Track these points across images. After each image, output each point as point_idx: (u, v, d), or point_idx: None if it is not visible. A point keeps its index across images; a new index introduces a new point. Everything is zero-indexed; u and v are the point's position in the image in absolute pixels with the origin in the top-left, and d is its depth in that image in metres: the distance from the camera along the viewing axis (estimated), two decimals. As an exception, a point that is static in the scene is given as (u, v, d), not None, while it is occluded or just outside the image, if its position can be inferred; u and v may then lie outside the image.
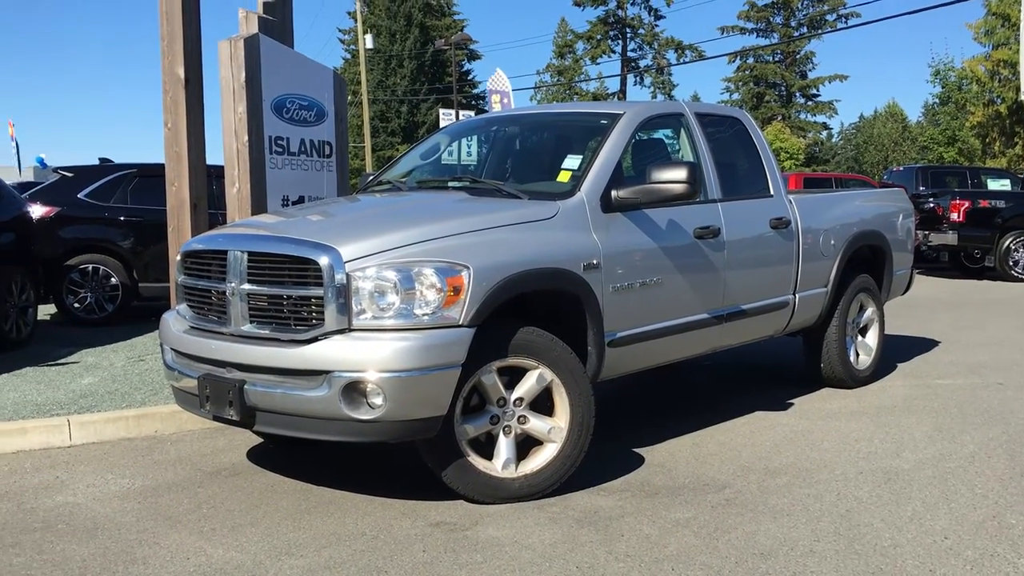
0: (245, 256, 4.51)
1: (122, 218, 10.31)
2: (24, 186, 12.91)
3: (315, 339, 4.23)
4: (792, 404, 6.54)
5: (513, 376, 4.59)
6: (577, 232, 4.83)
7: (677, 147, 5.86)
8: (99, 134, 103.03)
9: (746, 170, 6.33)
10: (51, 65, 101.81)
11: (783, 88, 65.70)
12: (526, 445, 4.66)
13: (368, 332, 4.19)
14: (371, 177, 6.28)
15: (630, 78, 62.60)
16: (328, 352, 4.18)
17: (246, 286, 4.48)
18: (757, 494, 4.63)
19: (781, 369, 7.75)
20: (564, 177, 5.17)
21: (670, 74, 62.83)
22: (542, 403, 4.66)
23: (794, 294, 6.35)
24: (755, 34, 63.17)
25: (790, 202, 6.33)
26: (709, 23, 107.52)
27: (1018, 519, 4.23)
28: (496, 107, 24.96)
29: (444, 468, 4.42)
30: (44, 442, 5.68)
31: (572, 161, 5.28)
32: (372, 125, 63.75)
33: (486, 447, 4.57)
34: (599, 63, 62.44)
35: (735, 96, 66.95)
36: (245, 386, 4.38)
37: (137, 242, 10.28)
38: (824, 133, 67.64)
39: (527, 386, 4.57)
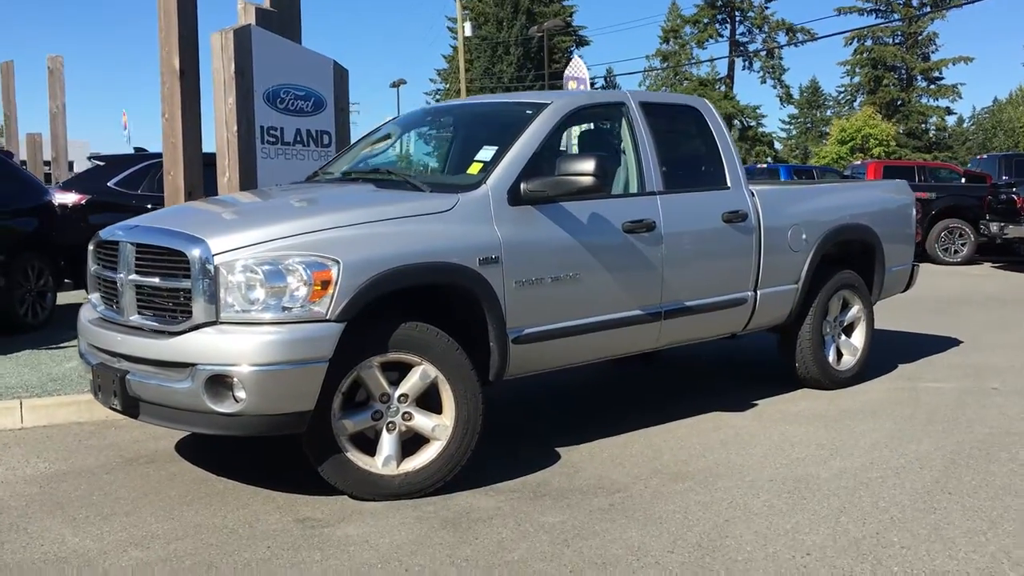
0: (133, 248, 4.56)
1: (148, 206, 10.55)
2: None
3: (186, 331, 4.25)
4: (755, 405, 6.28)
5: (403, 372, 4.53)
6: (475, 225, 4.72)
7: (618, 139, 5.68)
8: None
9: (700, 162, 6.09)
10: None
11: (903, 71, 63.38)
12: (417, 442, 4.60)
13: (235, 325, 4.18)
14: (320, 168, 6.28)
15: (738, 62, 61.27)
16: (193, 344, 4.19)
17: (132, 277, 4.53)
18: (647, 499, 4.47)
19: (772, 367, 7.45)
20: (475, 169, 5.07)
21: (780, 58, 61.27)
22: (433, 400, 4.58)
23: (754, 291, 6.09)
24: (874, 14, 61.06)
25: (751, 195, 6.06)
26: (824, 3, 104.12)
27: (901, 537, 3.97)
28: (573, 94, 24.54)
29: (321, 463, 4.39)
30: (-3, 424, 5.87)
31: (486, 152, 5.16)
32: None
33: (373, 443, 4.53)
34: (706, 47, 61.29)
35: (855, 80, 64.99)
36: (127, 376, 4.43)
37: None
38: (952, 118, 64.89)
39: (411, 382, 4.51)
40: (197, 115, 8.08)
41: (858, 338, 6.93)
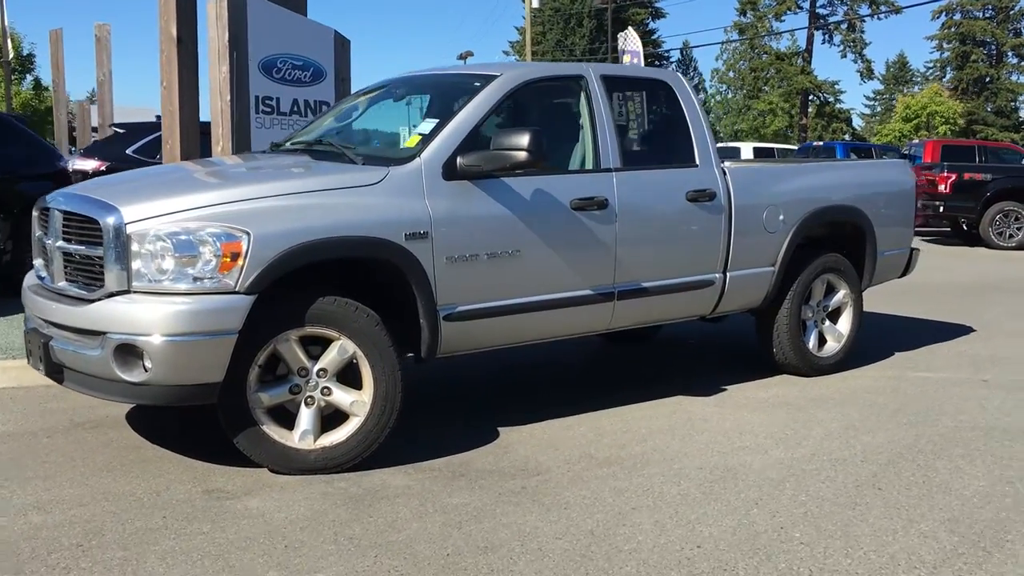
0: (60, 215, 4.59)
1: (165, 172, 10.74)
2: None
3: (100, 299, 4.26)
4: (724, 390, 6.11)
5: (326, 347, 4.50)
6: (403, 199, 4.64)
7: (576, 114, 5.53)
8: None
9: (667, 139, 5.92)
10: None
11: (992, 47, 61.26)
12: (341, 418, 4.57)
13: (145, 295, 4.18)
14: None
15: (817, 36, 59.61)
16: (104, 313, 4.21)
17: (60, 243, 4.57)
18: (563, 484, 4.37)
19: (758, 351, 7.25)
20: (412, 142, 4.99)
21: (862, 31, 59.43)
22: (355, 376, 4.54)
23: (724, 272, 5.90)
24: (965, -13, 58.99)
25: (723, 173, 5.87)
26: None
27: (805, 532, 3.82)
28: (628, 67, 24.19)
29: (236, 435, 4.38)
30: (-36, 384, 6.00)
31: (427, 125, 5.08)
32: (551, 84, 63.70)
33: (295, 417, 4.51)
34: (784, 19, 59.72)
35: (944, 55, 63.02)
36: (51, 343, 4.47)
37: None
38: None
39: (329, 357, 4.47)
40: (195, 84, 8.12)
41: (844, 324, 6.69)
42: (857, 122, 67.79)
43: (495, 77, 5.21)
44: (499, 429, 5.21)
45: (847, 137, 55.64)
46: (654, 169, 5.67)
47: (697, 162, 5.81)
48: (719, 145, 23.79)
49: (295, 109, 8.25)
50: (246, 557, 3.57)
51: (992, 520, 3.97)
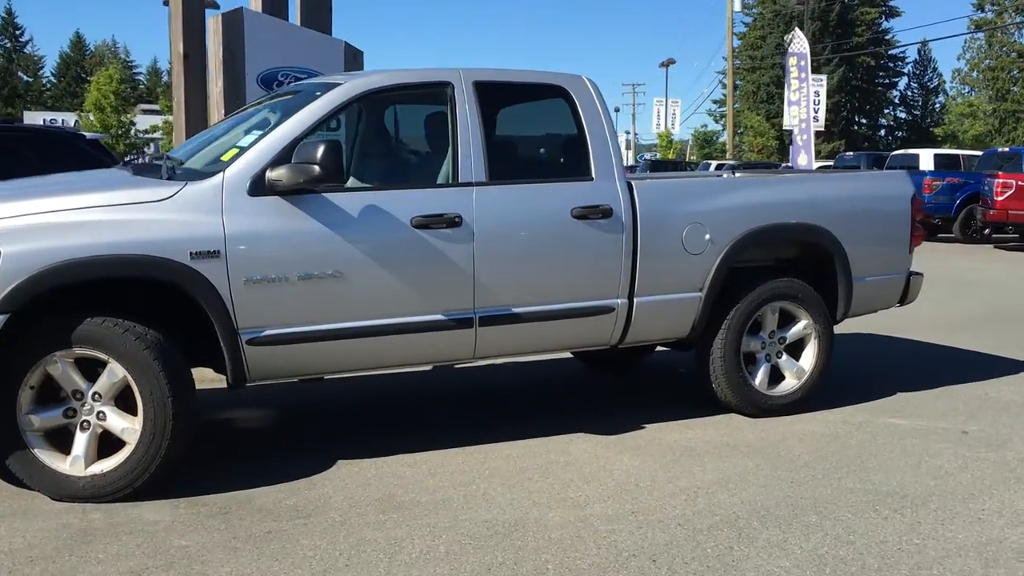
0: None
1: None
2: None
3: None
4: (640, 429, 5.47)
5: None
6: (194, 215, 4.38)
7: (442, 124, 5.09)
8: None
9: (556, 150, 5.36)
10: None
11: None
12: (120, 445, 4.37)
13: (-89, 310, 4.14)
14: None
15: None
16: None
17: None
18: (312, 530, 3.97)
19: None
20: (228, 156, 4.71)
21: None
22: (133, 401, 4.33)
23: (628, 298, 5.29)
24: None
25: (627, 187, 5.25)
26: None
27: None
28: (792, 72, 22.79)
29: (6, 458, 4.27)
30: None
31: (248, 138, 4.80)
32: (767, 91, 61.60)
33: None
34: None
35: None
36: None
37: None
38: None
39: (102, 381, 4.29)
40: (203, 98, 8.20)
41: (807, 359, 5.85)
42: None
43: (334, 87, 4.88)
44: (339, 461, 4.86)
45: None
46: (532, 183, 5.13)
47: (593, 175, 5.22)
48: (900, 152, 22.05)
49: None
50: None
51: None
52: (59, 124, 44.06)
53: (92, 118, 37.73)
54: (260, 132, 4.80)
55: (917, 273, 6.27)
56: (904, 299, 6.26)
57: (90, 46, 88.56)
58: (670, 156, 58.67)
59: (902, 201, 6.12)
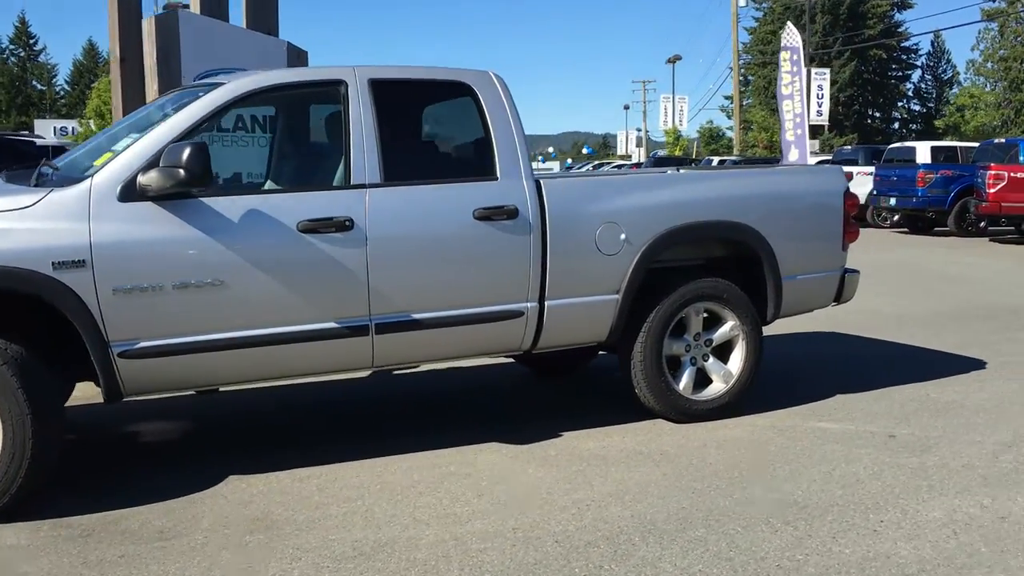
0: None
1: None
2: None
3: None
4: (557, 437, 5.27)
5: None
6: (57, 224, 4.19)
7: (334, 123, 4.90)
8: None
9: (459, 149, 5.15)
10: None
11: None
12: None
13: None
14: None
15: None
16: None
17: None
18: (163, 554, 3.79)
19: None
20: (102, 160, 4.53)
21: None
22: (4, 417, 4.16)
23: (539, 301, 5.07)
24: None
25: (535, 187, 5.04)
26: None
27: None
28: (785, 66, 22.33)
29: None
30: None
31: (125, 142, 4.62)
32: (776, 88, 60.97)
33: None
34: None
35: None
36: None
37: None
38: None
39: (-33, 395, 4.11)
40: (140, 101, 8.04)
41: (735, 362, 5.62)
42: None
43: (218, 86, 4.69)
44: (230, 477, 4.68)
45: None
46: (430, 184, 4.92)
47: (498, 175, 5.01)
48: (897, 145, 21.66)
49: (240, 125, 7.94)
50: None
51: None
52: (68, 131, 44.28)
53: (93, 125, 37.70)
54: (138, 135, 4.61)
55: (853, 270, 6.02)
56: (840, 297, 6.02)
57: (103, 54, 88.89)
58: (677, 153, 58.24)
59: (834, 196, 5.88)
